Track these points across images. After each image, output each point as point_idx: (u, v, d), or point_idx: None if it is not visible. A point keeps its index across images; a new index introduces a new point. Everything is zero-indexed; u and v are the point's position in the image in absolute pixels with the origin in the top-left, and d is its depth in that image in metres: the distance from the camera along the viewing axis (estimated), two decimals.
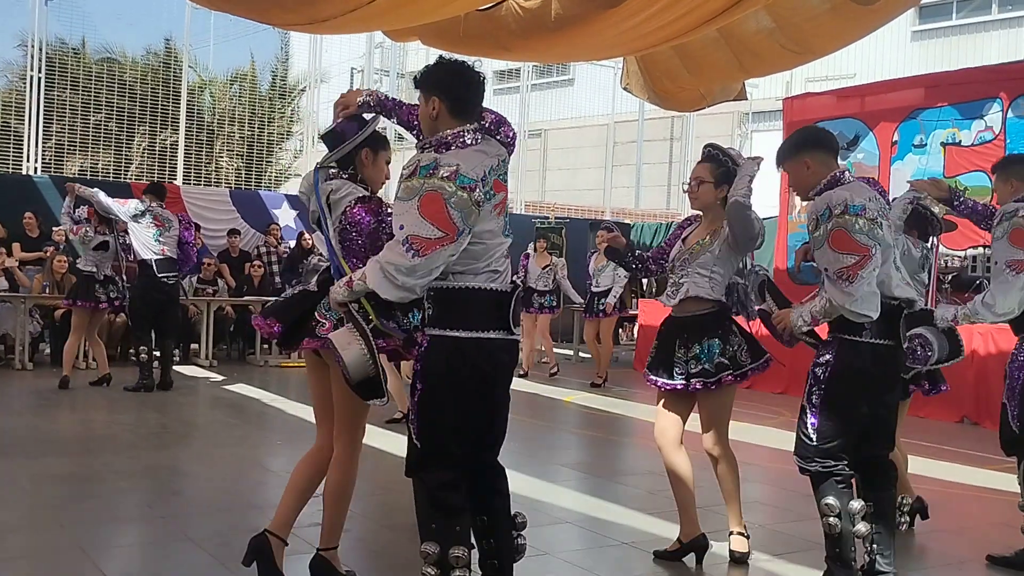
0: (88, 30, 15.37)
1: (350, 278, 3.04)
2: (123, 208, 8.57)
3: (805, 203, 3.92)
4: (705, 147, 4.33)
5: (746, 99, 11.87)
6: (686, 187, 4.32)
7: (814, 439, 3.63)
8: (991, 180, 4.59)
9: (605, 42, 8.13)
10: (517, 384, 10.18)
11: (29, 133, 12.49)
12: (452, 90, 3.14)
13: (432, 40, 8.87)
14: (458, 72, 3.17)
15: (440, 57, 3.31)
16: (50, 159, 13.26)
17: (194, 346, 11.16)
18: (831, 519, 3.61)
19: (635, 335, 13.80)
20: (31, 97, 12.49)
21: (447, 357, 3.05)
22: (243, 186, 15.56)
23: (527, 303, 10.95)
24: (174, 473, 5.69)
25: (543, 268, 11.20)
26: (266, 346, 11.56)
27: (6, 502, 4.82)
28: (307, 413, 7.76)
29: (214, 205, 12.62)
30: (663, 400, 4.27)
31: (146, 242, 8.51)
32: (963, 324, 4.24)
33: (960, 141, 10.86)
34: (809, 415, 3.65)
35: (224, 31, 15.21)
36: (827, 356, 3.65)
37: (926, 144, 11.20)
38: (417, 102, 3.32)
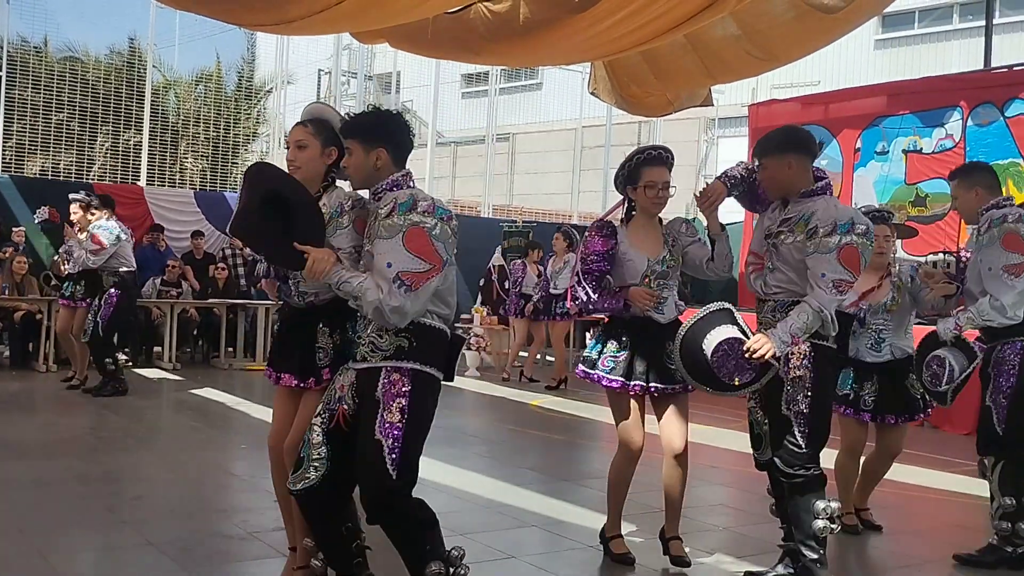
0: (51, 28, 15.16)
1: (364, 277, 3.10)
2: (112, 240, 8.30)
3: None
4: (652, 149, 4.25)
5: (712, 105, 11.96)
6: (648, 192, 4.17)
7: (804, 445, 3.65)
8: (950, 187, 4.64)
9: (573, 47, 8.15)
10: (483, 387, 10.19)
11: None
12: (398, 141, 3.29)
13: (400, 43, 8.85)
14: (401, 123, 3.35)
15: (378, 110, 3.48)
16: (11, 159, 13.07)
17: (157, 349, 11.04)
18: (820, 522, 3.66)
19: None
20: None
21: (429, 395, 3.20)
22: (208, 187, 15.42)
23: (545, 310, 10.73)
24: (136, 478, 5.63)
25: (560, 268, 10.57)
26: (230, 349, 11.47)
27: None
28: (271, 416, 7.72)
29: (178, 207, 12.50)
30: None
31: (127, 253, 8.48)
32: (968, 328, 4.34)
33: (921, 148, 11.03)
34: (795, 423, 3.66)
35: (189, 31, 15.10)
36: (802, 361, 3.66)
37: (888, 151, 11.36)
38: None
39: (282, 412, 3.63)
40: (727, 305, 3.83)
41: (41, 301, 9.96)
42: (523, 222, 15.46)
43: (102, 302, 8.30)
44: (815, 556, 3.70)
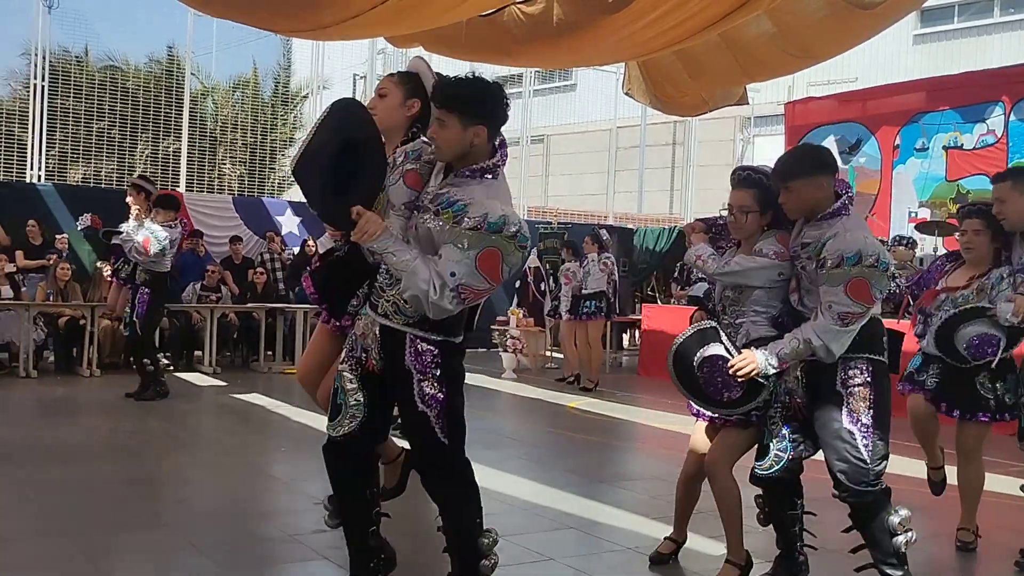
0: (91, 38, 15.41)
1: (412, 256, 3.05)
2: (156, 251, 8.32)
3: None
4: (739, 171, 3.95)
5: (747, 104, 11.89)
6: (724, 213, 4.05)
7: (869, 460, 3.56)
8: (995, 189, 4.52)
9: (607, 47, 8.14)
10: (520, 389, 10.20)
11: (33, 141, 12.52)
12: (499, 117, 3.12)
13: (434, 46, 8.89)
14: (503, 98, 3.12)
15: (478, 78, 3.15)
16: (53, 167, 13.30)
17: (198, 353, 11.17)
18: (900, 538, 3.61)
19: (638, 340, 13.81)
20: (35, 105, 12.53)
21: (456, 356, 3.24)
22: (246, 193, 15.58)
23: (574, 311, 10.74)
24: (178, 481, 5.70)
25: (596, 268, 10.58)
26: (269, 353, 11.58)
27: (11, 511, 4.83)
28: (311, 420, 7.79)
29: (217, 212, 12.65)
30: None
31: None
32: None
33: (962, 145, 10.88)
34: (860, 438, 3.55)
35: (226, 38, 15.27)
36: (863, 377, 3.58)
37: (928, 148, 11.22)
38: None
39: (317, 349, 3.83)
40: (713, 323, 3.80)
41: (85, 307, 10.12)
42: (558, 223, 15.45)
43: (136, 301, 8.36)
44: (899, 574, 3.65)
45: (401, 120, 3.41)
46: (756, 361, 3.57)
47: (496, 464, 6.36)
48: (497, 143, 3.18)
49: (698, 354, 3.70)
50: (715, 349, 3.69)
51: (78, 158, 14.16)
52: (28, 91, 12.87)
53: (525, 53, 8.45)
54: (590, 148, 20.02)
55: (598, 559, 4.39)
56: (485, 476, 5.91)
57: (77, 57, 15.13)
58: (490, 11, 7.52)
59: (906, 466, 5.38)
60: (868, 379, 3.58)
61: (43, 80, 12.57)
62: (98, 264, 10.70)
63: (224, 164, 16.73)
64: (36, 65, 12.58)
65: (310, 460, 6.62)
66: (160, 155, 14.92)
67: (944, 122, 11.06)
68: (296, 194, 17.37)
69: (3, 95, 15.46)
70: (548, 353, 12.75)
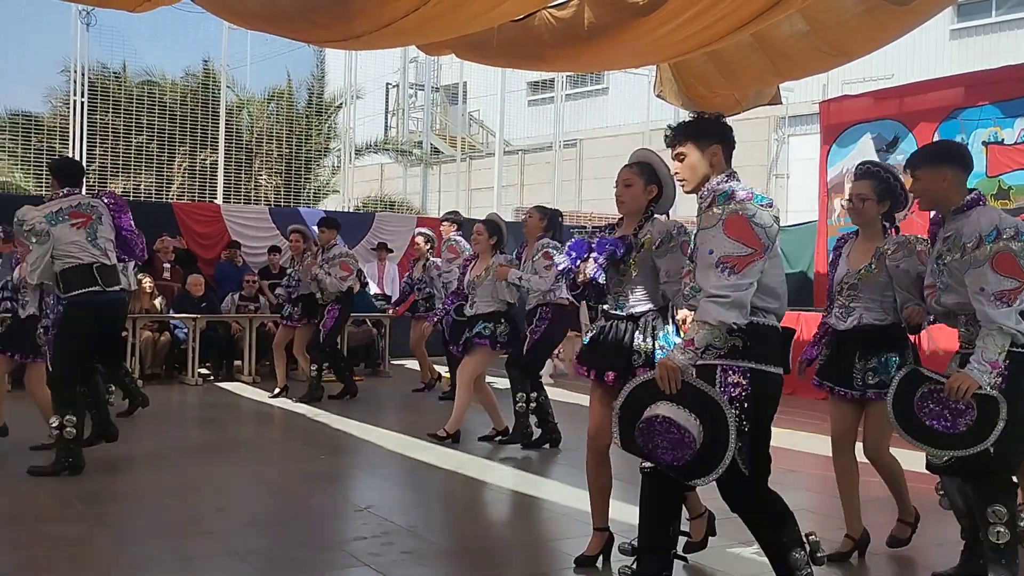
0: (128, 54, 15.64)
1: (688, 340, 3.17)
2: (356, 266, 9.50)
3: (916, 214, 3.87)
4: (861, 164, 4.43)
5: (780, 103, 11.78)
6: (845, 203, 4.36)
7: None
8: None
9: (639, 50, 8.11)
10: (559, 395, 10.17)
11: (73, 157, 12.73)
12: (729, 139, 3.45)
13: (466, 53, 8.92)
14: (727, 124, 3.51)
15: (699, 114, 3.59)
16: (94, 181, 13.51)
17: (237, 363, 11.27)
18: (999, 527, 3.54)
19: None
20: (75, 122, 12.74)
21: (768, 390, 3.26)
22: (282, 203, 15.72)
23: None
24: (218, 489, 5.75)
25: None
26: None
27: (58, 518, 4.91)
28: (350, 427, 7.83)
29: (254, 223, 12.77)
30: (835, 407, 4.36)
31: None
32: None
33: (1003, 140, 10.70)
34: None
35: (260, 50, 15.41)
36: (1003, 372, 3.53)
37: (967, 144, 11.05)
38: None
39: (602, 406, 4.02)
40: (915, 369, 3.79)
41: (127, 319, 10.24)
42: (592, 227, 15.42)
43: (324, 314, 9.11)
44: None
45: (643, 203, 4.12)
46: (970, 378, 3.47)
47: (536, 469, 6.36)
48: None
49: (916, 393, 3.63)
50: (926, 383, 3.63)
51: (118, 172, 14.37)
52: (68, 108, 13.10)
53: (557, 58, 8.45)
54: (623, 151, 19.70)
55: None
56: (526, 482, 5.93)
57: (115, 73, 15.38)
58: (521, 16, 7.53)
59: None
60: (1004, 371, 3.54)
61: (82, 96, 12.78)
62: (138, 276, 10.84)
63: (260, 175, 16.90)
64: (75, 82, 12.79)
65: (350, 467, 6.68)
66: (198, 167, 15.10)
67: (983, 117, 10.88)
68: (331, 204, 17.52)
69: (44, 112, 15.72)
70: None
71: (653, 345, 3.93)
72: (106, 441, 6.12)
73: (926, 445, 3.62)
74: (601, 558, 4.25)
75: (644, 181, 4.09)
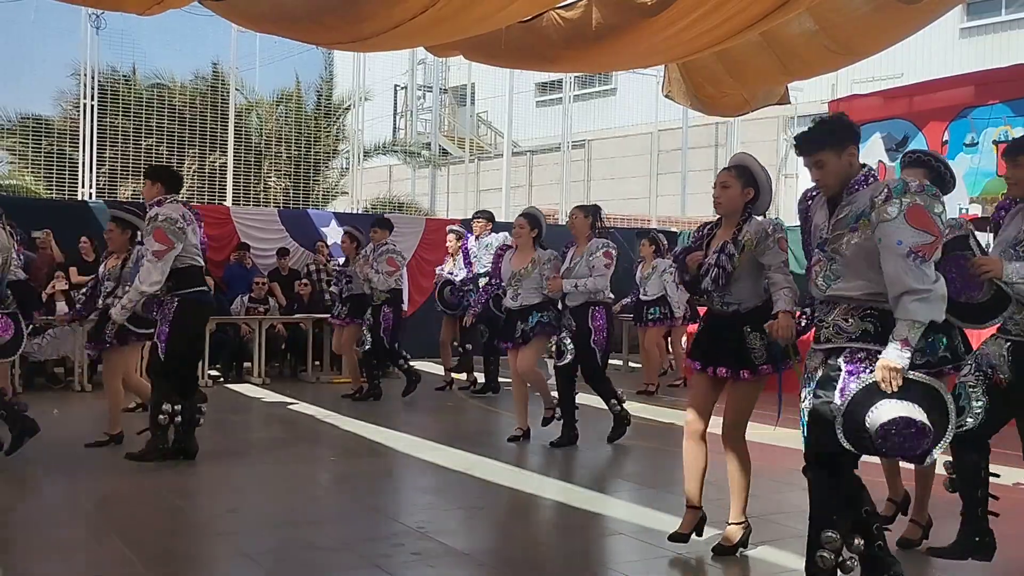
0: (138, 57, 15.65)
1: (902, 340, 3.27)
2: (402, 263, 9.72)
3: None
4: (909, 153, 4.68)
5: (789, 103, 11.76)
6: None
7: None
8: None
9: (647, 50, 8.11)
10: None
11: (84, 160, 12.77)
12: (859, 136, 3.61)
13: (474, 54, 8.93)
14: (850, 121, 3.65)
15: (816, 119, 3.69)
16: (104, 185, 13.54)
17: (247, 364, 11.30)
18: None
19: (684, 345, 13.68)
20: (85, 125, 12.78)
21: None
22: (291, 205, 15.74)
23: (637, 317, 10.70)
24: (230, 490, 5.76)
25: (649, 274, 10.56)
26: (317, 363, 11.68)
27: (70, 520, 4.93)
28: (360, 428, 7.84)
29: (263, 225, 12.79)
30: None
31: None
32: None
33: (1013, 138, 10.66)
34: None
35: (269, 53, 15.43)
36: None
37: (978, 143, 11.00)
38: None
39: (704, 397, 4.36)
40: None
41: None
42: (601, 228, 15.39)
43: (380, 319, 9.29)
44: None
45: (740, 205, 4.31)
46: (1001, 265, 3.77)
47: (544, 469, 6.36)
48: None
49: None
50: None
51: (128, 175, 14.40)
52: (78, 111, 13.13)
53: (565, 58, 8.45)
54: (632, 152, 19.94)
55: (652, 565, 4.36)
56: (531, 480, 5.93)
57: (125, 76, 15.40)
58: (529, 17, 7.53)
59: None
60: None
61: (92, 99, 12.81)
62: None
63: (269, 177, 16.92)
64: (85, 85, 12.82)
65: (359, 468, 6.69)
66: (207, 170, 15.12)
67: (994, 116, 10.84)
68: (340, 205, 17.55)
69: (54, 115, 15.77)
70: None
71: (766, 341, 4.13)
72: (184, 457, 6.35)
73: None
74: (693, 535, 4.42)
75: (742, 184, 4.28)
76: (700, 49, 7.95)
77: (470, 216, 11.41)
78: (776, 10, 6.68)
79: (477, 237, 9.99)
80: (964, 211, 11.28)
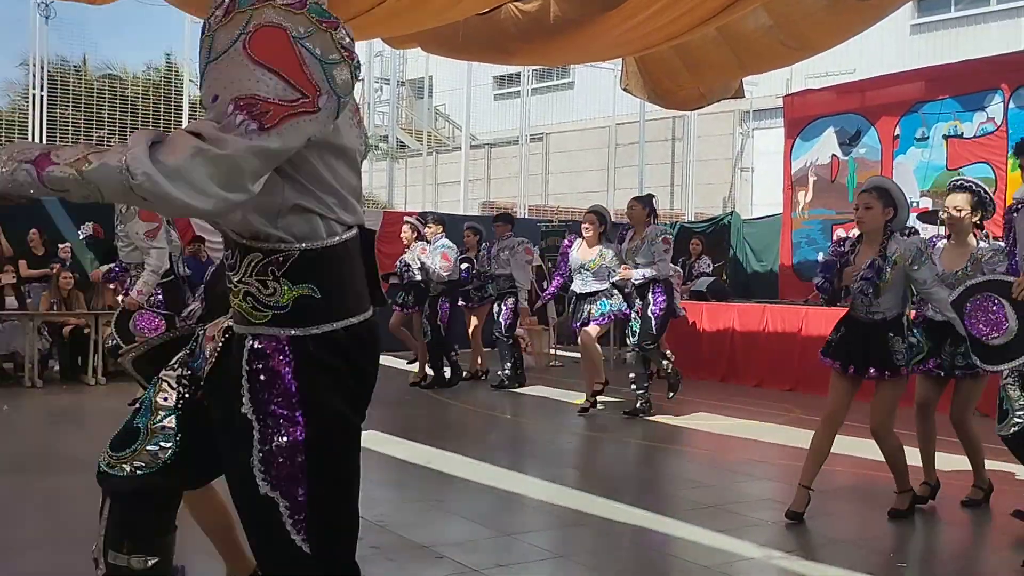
0: (89, 48, 15.45)
1: None
2: (456, 256, 9.82)
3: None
4: (955, 180, 5.16)
5: (744, 97, 11.87)
6: (944, 215, 5.00)
7: None
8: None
9: (605, 43, 8.16)
10: (526, 388, 10.20)
11: None
12: None
13: (433, 47, 8.91)
14: None
15: None
16: None
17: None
18: None
19: None
20: (33, 116, 12.54)
21: None
22: None
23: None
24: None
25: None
26: None
27: (23, 520, 4.84)
28: None
29: None
30: (924, 381, 5.18)
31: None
32: None
33: (962, 133, 10.86)
34: None
35: None
36: None
37: (928, 137, 11.21)
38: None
39: (846, 394, 4.82)
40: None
41: (88, 315, 10.13)
42: (559, 222, 15.45)
43: (438, 308, 9.66)
44: None
45: (882, 224, 4.76)
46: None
47: (503, 463, 6.38)
48: None
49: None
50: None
51: None
52: (27, 101, 12.89)
53: (523, 51, 8.47)
54: (589, 145, 20.02)
55: (611, 556, 4.39)
56: (497, 476, 5.94)
57: (75, 67, 15.16)
58: (487, 10, 7.53)
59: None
60: None
61: (41, 90, 12.58)
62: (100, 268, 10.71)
63: None
64: (34, 75, 12.59)
65: None
66: None
67: (944, 111, 11.04)
68: None
69: (2, 106, 15.49)
70: (553, 351, 12.74)
71: (906, 344, 4.71)
72: None
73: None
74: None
75: (882, 204, 4.75)
76: (658, 43, 8.01)
77: (427, 210, 11.41)
78: (732, 5, 6.76)
79: (428, 241, 9.79)
80: (915, 204, 11.49)
